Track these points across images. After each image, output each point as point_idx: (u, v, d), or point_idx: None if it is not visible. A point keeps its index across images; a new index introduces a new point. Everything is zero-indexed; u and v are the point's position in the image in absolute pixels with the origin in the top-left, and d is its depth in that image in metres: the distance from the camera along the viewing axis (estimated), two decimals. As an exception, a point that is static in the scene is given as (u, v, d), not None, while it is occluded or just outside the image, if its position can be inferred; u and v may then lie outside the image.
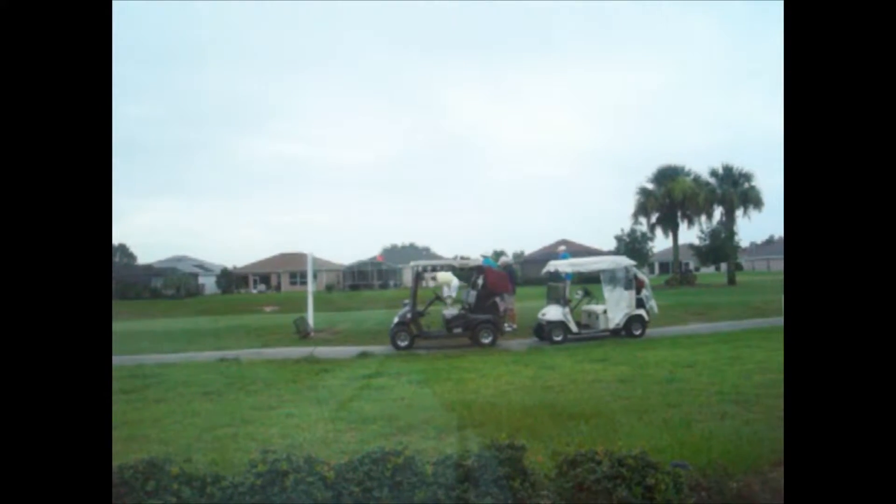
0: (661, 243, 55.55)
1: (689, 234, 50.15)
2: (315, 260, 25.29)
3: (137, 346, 18.62)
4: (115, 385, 11.55)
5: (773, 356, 12.55)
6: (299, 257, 67.89)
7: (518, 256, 73.10)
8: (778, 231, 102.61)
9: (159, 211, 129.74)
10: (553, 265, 18.69)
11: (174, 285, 62.89)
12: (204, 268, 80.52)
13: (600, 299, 18.22)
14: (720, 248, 47.53)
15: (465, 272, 19.93)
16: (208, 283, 74.24)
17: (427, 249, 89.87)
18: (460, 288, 20.33)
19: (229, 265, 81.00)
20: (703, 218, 46.56)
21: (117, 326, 25.78)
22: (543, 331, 17.49)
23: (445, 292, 19.20)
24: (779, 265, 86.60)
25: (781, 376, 10.19)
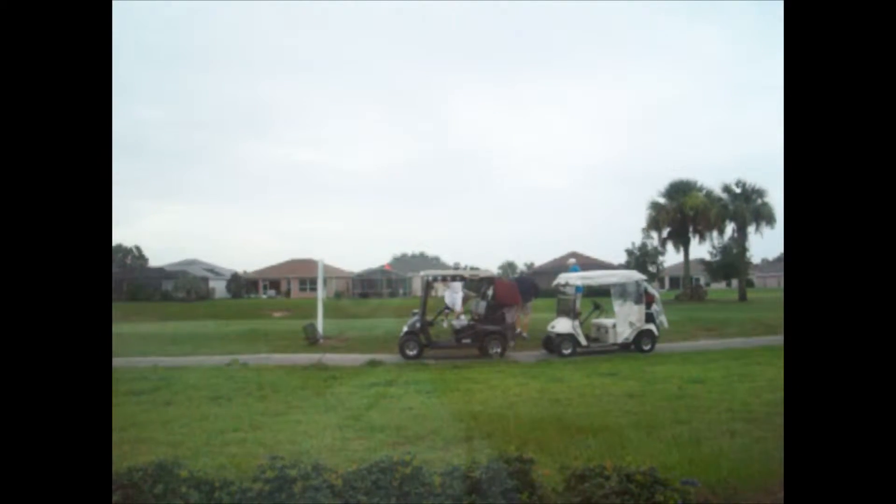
0: (671, 258, 55.39)
1: (701, 250, 50.14)
2: (325, 267, 25.34)
3: (147, 348, 18.69)
4: (125, 387, 11.63)
5: (782, 374, 12.44)
6: (309, 264, 68.02)
7: (528, 267, 72.98)
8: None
9: (172, 214, 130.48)
10: (563, 278, 18.67)
11: (185, 288, 63.08)
12: (214, 272, 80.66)
13: (610, 313, 18.17)
14: (731, 263, 47.40)
15: (475, 283, 19.94)
16: (218, 288, 74.42)
17: (437, 259, 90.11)
18: (471, 299, 20.42)
19: (240, 270, 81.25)
20: (715, 233, 46.49)
21: (127, 328, 25.95)
22: (552, 343, 17.45)
23: (448, 301, 19.34)
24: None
25: (792, 395, 10.12)
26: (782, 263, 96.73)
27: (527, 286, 20.66)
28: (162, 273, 70.01)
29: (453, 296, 19.71)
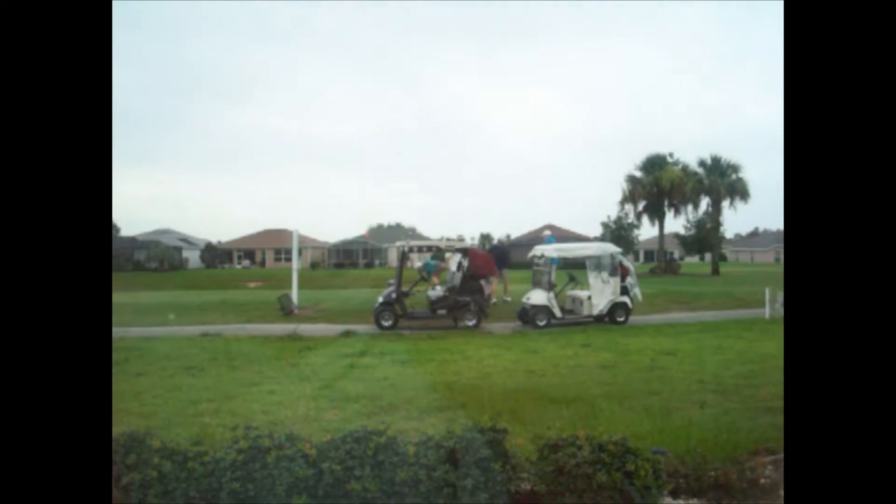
0: (646, 231, 55.90)
1: (675, 224, 50.51)
2: (300, 237, 25.20)
3: (119, 318, 18.47)
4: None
5: (753, 346, 12.69)
6: (284, 234, 67.67)
7: (505, 239, 73.13)
8: (763, 223, 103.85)
9: (144, 182, 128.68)
10: (539, 249, 18.70)
11: (157, 258, 62.21)
12: (188, 242, 79.96)
13: (585, 285, 18.27)
14: (705, 238, 47.83)
15: (451, 254, 19.97)
16: (192, 258, 73.75)
17: (413, 230, 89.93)
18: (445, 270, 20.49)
19: (214, 240, 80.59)
20: (690, 208, 46.72)
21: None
22: (528, 315, 17.54)
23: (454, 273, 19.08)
24: (762, 257, 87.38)
25: (760, 367, 10.30)
26: (755, 239, 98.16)
27: (500, 254, 21.01)
28: (134, 243, 68.98)
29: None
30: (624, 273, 17.90)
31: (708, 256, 52.31)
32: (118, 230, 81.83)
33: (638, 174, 46.31)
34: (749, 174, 46.39)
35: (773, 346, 12.67)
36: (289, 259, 52.49)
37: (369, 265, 72.09)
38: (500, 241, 26.50)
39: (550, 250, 18.59)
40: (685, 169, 45.52)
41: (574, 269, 20.22)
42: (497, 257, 20.12)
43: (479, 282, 17.59)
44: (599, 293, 17.61)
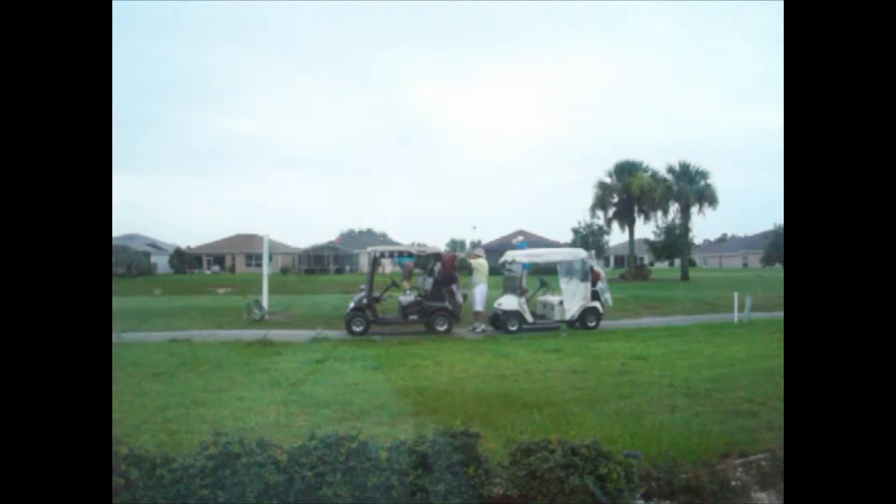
0: (617, 237, 56.27)
1: (645, 229, 50.98)
2: (271, 242, 25.00)
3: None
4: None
5: (722, 351, 12.83)
6: (255, 239, 67.17)
7: (475, 245, 73.25)
8: (731, 229, 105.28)
9: (112, 185, 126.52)
10: (510, 255, 18.77)
11: (125, 264, 61.16)
12: (157, 247, 78.94)
13: (556, 290, 18.35)
14: (674, 243, 48.33)
15: (422, 259, 19.89)
16: (161, 263, 72.92)
17: (384, 235, 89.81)
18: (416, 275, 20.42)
19: (183, 245, 79.65)
20: (659, 213, 47.33)
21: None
22: (499, 320, 17.57)
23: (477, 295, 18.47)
24: (730, 262, 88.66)
25: (730, 371, 10.38)
26: (724, 244, 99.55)
27: None
28: (102, 247, 67.90)
29: (478, 287, 18.71)
30: (595, 278, 18.01)
31: (677, 262, 52.91)
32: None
33: (608, 180, 46.89)
34: (717, 181, 47.10)
35: (742, 350, 12.83)
36: (259, 264, 52.13)
37: (340, 271, 71.81)
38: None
39: (522, 255, 18.65)
40: (655, 175, 46.15)
41: (545, 274, 20.31)
42: None
43: (450, 287, 17.57)
44: (571, 298, 17.69)
